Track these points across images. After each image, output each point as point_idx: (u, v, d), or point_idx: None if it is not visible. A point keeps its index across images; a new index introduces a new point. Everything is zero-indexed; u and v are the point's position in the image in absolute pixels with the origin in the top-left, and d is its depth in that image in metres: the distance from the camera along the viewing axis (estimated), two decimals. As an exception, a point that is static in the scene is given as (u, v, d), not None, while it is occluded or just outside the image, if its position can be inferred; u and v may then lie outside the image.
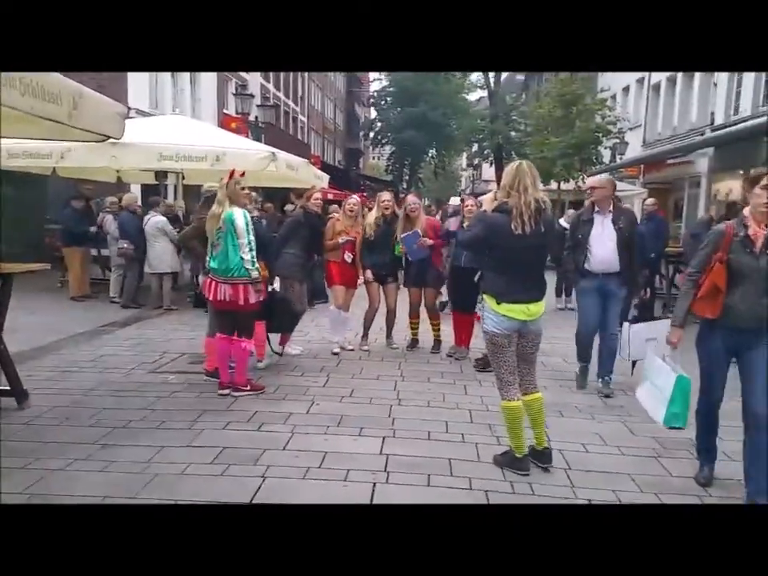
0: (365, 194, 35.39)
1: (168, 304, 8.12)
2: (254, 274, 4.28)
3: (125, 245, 8.13)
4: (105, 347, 5.93)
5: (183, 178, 9.63)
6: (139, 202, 9.94)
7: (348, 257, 5.85)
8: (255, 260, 4.30)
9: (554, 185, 14.08)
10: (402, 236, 5.73)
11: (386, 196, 6.02)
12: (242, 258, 4.27)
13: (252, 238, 4.30)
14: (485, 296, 3.26)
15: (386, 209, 5.91)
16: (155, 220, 8.18)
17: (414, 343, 6.17)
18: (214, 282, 4.38)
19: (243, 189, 4.44)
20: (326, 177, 11.15)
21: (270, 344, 5.16)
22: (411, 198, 5.98)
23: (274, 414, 4.11)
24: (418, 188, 41.46)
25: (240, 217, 4.28)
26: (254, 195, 5.62)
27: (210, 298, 4.42)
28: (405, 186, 41.10)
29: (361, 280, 6.03)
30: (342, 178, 26.83)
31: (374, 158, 53.71)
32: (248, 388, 4.53)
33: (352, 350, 6.00)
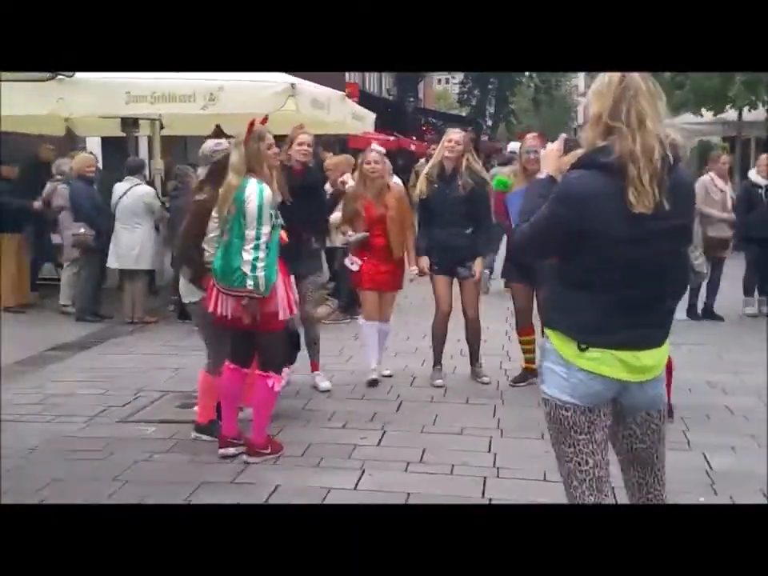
0: (428, 137, 35.31)
1: (141, 315, 8.24)
2: (250, 284, 4.16)
3: (82, 229, 8.28)
4: (53, 383, 6.04)
5: (162, 126, 9.76)
6: (100, 163, 10.18)
7: (353, 264, 5.74)
8: (261, 265, 4.16)
9: (730, 114, 13.44)
10: (511, 193, 5.56)
11: (454, 134, 5.81)
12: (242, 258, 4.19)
13: (267, 229, 4.19)
14: (549, 333, 2.57)
15: (450, 151, 5.70)
16: (140, 192, 8.25)
17: (525, 376, 5.97)
18: (215, 290, 4.37)
19: (271, 147, 4.35)
20: (370, 116, 11.10)
21: None
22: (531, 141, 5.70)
23: (305, 490, 4.05)
24: (510, 125, 40.94)
25: (254, 194, 4.16)
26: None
27: (211, 310, 4.40)
28: (490, 124, 40.73)
29: (414, 269, 5.92)
30: (394, 116, 26.79)
31: (439, 81, 53.41)
32: (267, 450, 4.48)
33: (389, 375, 6.05)
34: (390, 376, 6.07)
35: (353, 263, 5.76)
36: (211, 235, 4.43)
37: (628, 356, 2.46)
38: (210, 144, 4.74)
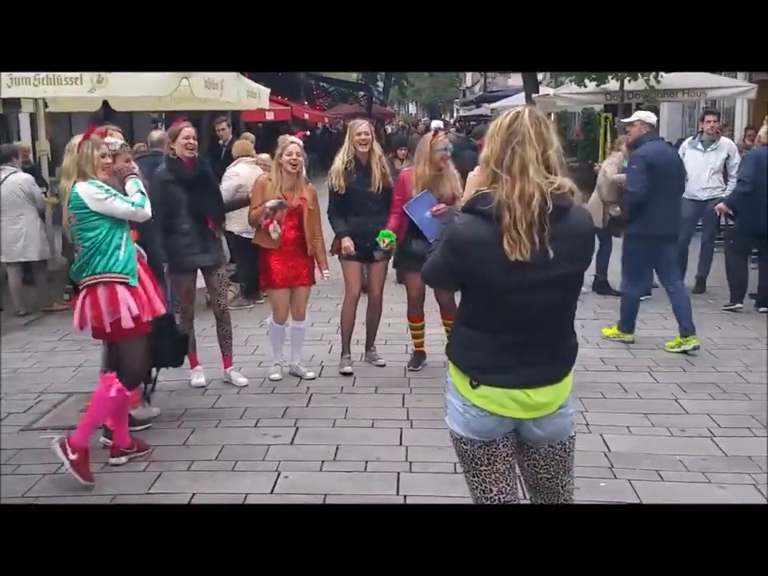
0: (319, 102, 34.72)
1: (19, 307, 7.99)
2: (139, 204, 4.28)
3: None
4: (-54, 389, 5.78)
5: (46, 105, 9.29)
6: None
7: (274, 229, 5.56)
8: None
9: (612, 83, 13.86)
10: (409, 203, 5.59)
11: (361, 126, 5.82)
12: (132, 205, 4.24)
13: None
14: (450, 366, 2.61)
15: (363, 144, 5.74)
16: (16, 181, 7.87)
17: (418, 359, 6.12)
18: (81, 300, 4.31)
19: (105, 155, 4.27)
20: (264, 92, 10.88)
21: (146, 384, 5.10)
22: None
23: (220, 497, 4.04)
24: (402, 89, 40.70)
25: (90, 189, 4.15)
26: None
27: (75, 323, 4.35)
28: (381, 89, 40.39)
29: (326, 272, 5.88)
30: (285, 83, 26.25)
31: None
32: (71, 457, 4.20)
33: (312, 378, 5.92)
34: (312, 379, 5.89)
35: (273, 228, 5.58)
36: None
37: (519, 394, 2.47)
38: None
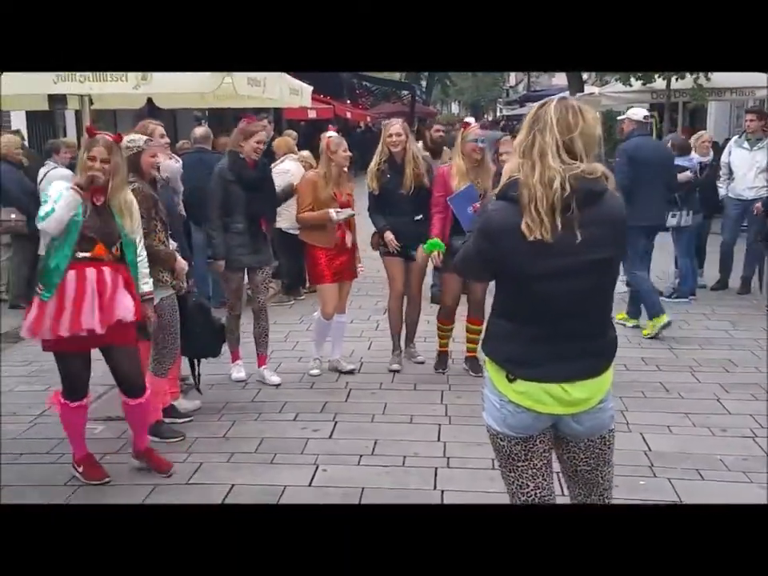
0: (362, 101, 34.84)
1: None
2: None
3: (12, 215, 8.03)
4: (-8, 379, 5.91)
5: (91, 102, 9.47)
6: (26, 140, 9.84)
7: (349, 239, 5.77)
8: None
9: (659, 82, 13.63)
10: (453, 195, 5.52)
11: (394, 127, 5.82)
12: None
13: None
14: (486, 361, 2.60)
15: (395, 145, 5.76)
16: (56, 176, 8.04)
17: (443, 360, 6.04)
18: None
19: (93, 159, 4.06)
20: (306, 90, 10.93)
21: (195, 375, 5.26)
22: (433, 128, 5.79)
23: (260, 488, 4.10)
24: (444, 88, 40.55)
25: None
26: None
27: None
28: (425, 88, 40.32)
29: (360, 266, 5.95)
30: (328, 82, 26.38)
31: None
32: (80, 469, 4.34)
33: (352, 370, 5.96)
34: (352, 372, 5.95)
35: (349, 238, 5.79)
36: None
37: (556, 389, 2.42)
38: (124, 140, 4.58)
